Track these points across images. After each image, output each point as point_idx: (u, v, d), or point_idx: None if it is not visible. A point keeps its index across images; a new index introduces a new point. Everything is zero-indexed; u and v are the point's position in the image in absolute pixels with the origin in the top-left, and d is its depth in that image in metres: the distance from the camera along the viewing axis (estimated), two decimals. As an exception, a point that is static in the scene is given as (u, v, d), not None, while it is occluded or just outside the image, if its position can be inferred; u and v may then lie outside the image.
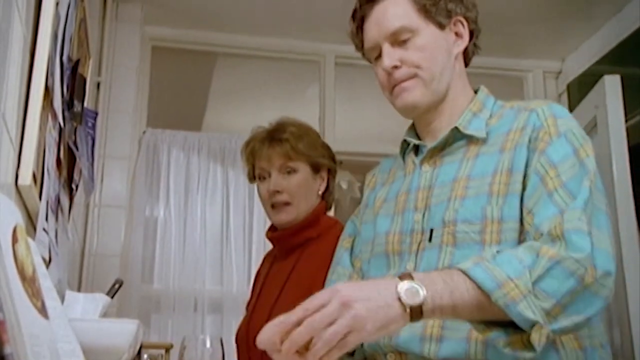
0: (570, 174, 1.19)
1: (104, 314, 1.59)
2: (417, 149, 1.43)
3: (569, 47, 3.69)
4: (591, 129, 3.03)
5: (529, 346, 1.04)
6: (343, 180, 4.67)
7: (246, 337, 1.86)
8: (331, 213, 3.47)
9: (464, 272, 1.05)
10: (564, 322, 1.06)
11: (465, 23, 1.40)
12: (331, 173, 2.06)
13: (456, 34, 1.40)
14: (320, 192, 2.01)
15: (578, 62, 3.67)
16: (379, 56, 1.39)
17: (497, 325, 1.07)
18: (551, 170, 1.20)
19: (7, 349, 0.61)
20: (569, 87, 3.74)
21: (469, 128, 1.33)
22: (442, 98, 1.38)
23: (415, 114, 1.40)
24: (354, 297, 0.97)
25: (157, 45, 3.60)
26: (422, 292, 1.01)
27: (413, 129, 1.46)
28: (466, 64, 1.45)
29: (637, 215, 2.76)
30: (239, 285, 3.28)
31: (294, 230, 1.95)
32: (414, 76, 1.35)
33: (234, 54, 3.78)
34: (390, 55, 1.35)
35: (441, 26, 1.37)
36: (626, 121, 2.87)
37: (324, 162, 2.02)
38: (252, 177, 2.07)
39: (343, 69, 3.69)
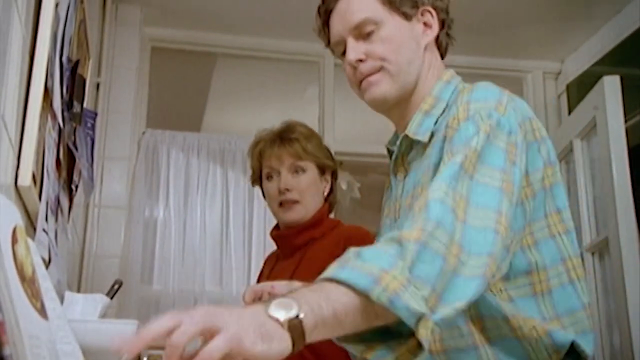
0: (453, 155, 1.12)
1: (104, 315, 1.59)
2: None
3: (568, 48, 3.69)
4: (590, 129, 3.03)
5: (417, 349, 0.93)
6: (342, 180, 4.67)
7: None
8: (331, 214, 3.49)
9: (332, 279, 0.91)
10: (445, 310, 0.95)
11: (434, 12, 1.35)
12: (334, 176, 2.09)
13: (425, 24, 1.35)
14: (325, 194, 2.05)
15: (577, 63, 3.67)
16: (343, 52, 1.36)
17: (378, 343, 0.98)
18: (447, 155, 1.13)
19: (7, 350, 0.61)
20: (568, 87, 3.74)
21: (418, 132, 1.29)
22: (412, 90, 1.33)
23: (385, 107, 1.36)
24: (217, 311, 0.81)
25: (157, 46, 3.60)
26: (294, 305, 0.84)
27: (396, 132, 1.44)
28: (443, 56, 1.41)
29: (636, 215, 2.76)
30: (239, 286, 3.27)
31: (298, 229, 1.97)
32: (380, 69, 1.31)
33: (234, 55, 3.78)
34: (355, 49, 1.32)
35: (407, 17, 1.33)
36: (625, 122, 2.87)
37: (330, 164, 2.05)
38: (256, 179, 2.08)
39: (342, 69, 3.69)
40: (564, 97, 3.76)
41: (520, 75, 3.90)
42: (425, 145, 1.27)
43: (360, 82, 1.34)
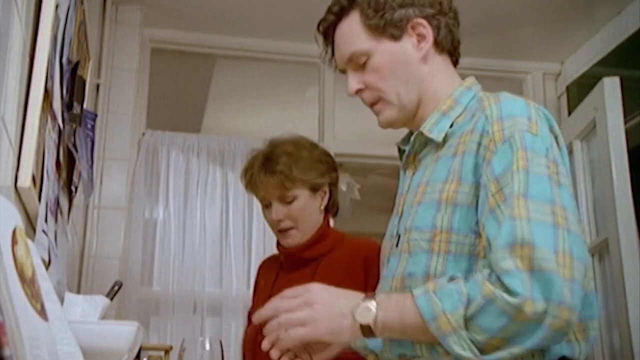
0: (502, 190, 1.14)
1: (103, 316, 1.59)
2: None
3: (568, 49, 3.70)
4: (590, 131, 3.03)
5: None
6: (343, 182, 4.66)
7: (254, 345, 1.86)
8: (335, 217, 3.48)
9: (413, 299, 1.12)
10: (501, 354, 1.07)
11: (424, 22, 1.35)
12: (333, 184, 2.07)
13: (418, 35, 1.35)
14: (323, 207, 2.03)
15: (577, 64, 3.67)
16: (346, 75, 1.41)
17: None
18: (493, 184, 1.15)
19: (7, 351, 0.61)
20: (568, 89, 3.74)
21: (434, 131, 1.30)
22: (416, 106, 1.36)
23: (397, 127, 1.40)
24: (318, 300, 1.16)
25: (157, 47, 3.60)
26: (373, 313, 1.13)
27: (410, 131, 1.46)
28: (453, 53, 1.41)
29: (636, 217, 2.76)
30: (239, 288, 3.27)
31: (304, 246, 1.99)
32: (379, 100, 1.36)
33: (234, 56, 3.78)
34: (353, 80, 1.38)
35: (396, 38, 1.34)
36: (625, 123, 2.87)
37: (323, 181, 2.02)
38: (255, 196, 2.11)
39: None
40: (564, 98, 3.76)
41: (520, 77, 3.90)
42: (439, 146, 1.29)
43: (370, 107, 1.40)
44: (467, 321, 1.07)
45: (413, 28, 1.35)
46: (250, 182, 2.02)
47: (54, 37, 1.66)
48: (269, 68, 3.91)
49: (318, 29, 1.43)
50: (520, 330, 1.06)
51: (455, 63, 1.43)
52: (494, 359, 1.07)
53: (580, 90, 3.54)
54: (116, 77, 3.23)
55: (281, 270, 2.05)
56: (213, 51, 3.73)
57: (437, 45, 1.37)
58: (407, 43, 1.35)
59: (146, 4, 3.34)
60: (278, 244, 2.07)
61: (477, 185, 1.19)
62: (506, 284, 1.06)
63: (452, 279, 1.12)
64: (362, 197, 4.80)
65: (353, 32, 1.36)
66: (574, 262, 1.07)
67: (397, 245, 1.28)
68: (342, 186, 4.63)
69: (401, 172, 1.41)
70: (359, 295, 1.16)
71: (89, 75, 2.36)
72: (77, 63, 2.06)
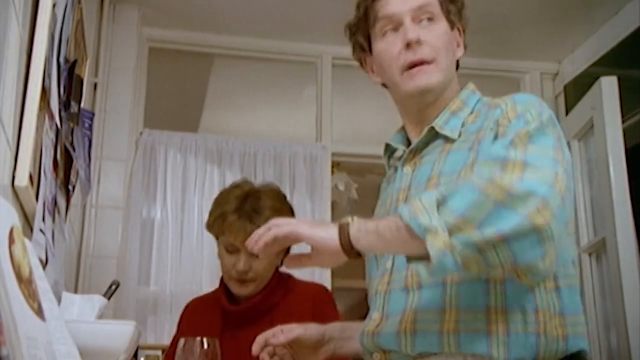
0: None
1: (101, 316, 1.58)
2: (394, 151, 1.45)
3: (566, 49, 3.70)
4: (588, 130, 3.04)
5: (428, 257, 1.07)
6: (340, 181, 4.67)
7: None
8: (329, 214, 3.49)
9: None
10: (472, 233, 1.03)
11: (462, 33, 1.44)
12: None
13: (457, 40, 1.43)
14: (280, 260, 2.00)
15: (575, 64, 3.68)
16: (392, 29, 1.36)
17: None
18: (502, 127, 1.20)
19: (4, 351, 0.61)
20: (565, 88, 3.75)
21: (445, 128, 1.33)
22: (443, 93, 1.37)
23: (428, 98, 1.36)
24: (301, 221, 1.23)
25: (154, 47, 3.60)
26: (352, 218, 1.18)
27: (402, 131, 1.46)
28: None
29: (634, 216, 2.76)
30: (236, 287, 3.27)
31: (261, 298, 1.95)
32: (433, 61, 1.34)
33: (231, 56, 3.78)
34: (415, 31, 1.33)
35: (452, 25, 1.40)
36: (623, 122, 2.87)
37: None
38: (211, 232, 2.02)
39: (340, 70, 3.69)
40: (562, 98, 3.76)
41: (517, 76, 3.90)
42: (450, 142, 1.32)
43: (409, 67, 1.34)
44: (439, 205, 1.07)
45: (458, 31, 1.42)
46: (223, 224, 1.93)
47: (52, 36, 1.66)
48: (266, 67, 3.91)
49: None
50: (492, 211, 1.03)
51: None
52: (463, 238, 1.04)
53: (577, 89, 3.54)
54: (114, 76, 3.23)
55: (226, 326, 1.96)
56: (211, 50, 3.73)
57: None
58: (454, 38, 1.41)
59: (144, 3, 3.34)
60: (228, 303, 1.98)
61: None
62: (490, 161, 1.12)
63: None
64: (359, 197, 4.81)
65: None
66: (567, 195, 1.09)
67: None
68: (340, 186, 4.63)
69: (398, 169, 1.41)
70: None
71: (86, 74, 2.36)
72: (75, 62, 2.05)
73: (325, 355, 1.39)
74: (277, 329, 1.42)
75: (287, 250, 2.02)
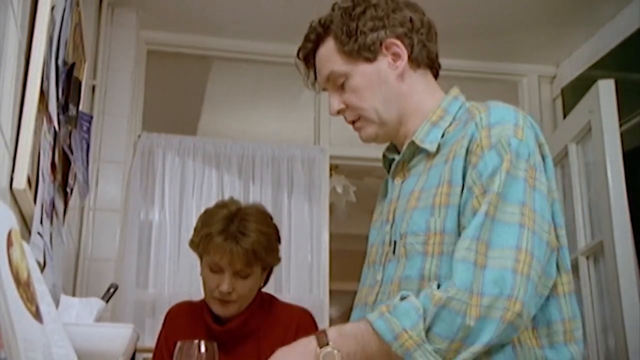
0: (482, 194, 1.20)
1: (99, 319, 1.58)
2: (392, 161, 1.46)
3: (563, 52, 3.70)
4: (585, 133, 3.04)
5: None
6: (338, 184, 4.67)
7: None
8: (327, 217, 3.49)
9: (370, 324, 1.16)
10: (465, 355, 1.12)
11: (397, 42, 1.39)
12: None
13: (393, 54, 1.40)
14: (262, 283, 2.04)
15: (572, 67, 3.68)
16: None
17: None
18: (478, 188, 1.21)
19: (1, 354, 0.61)
20: (563, 91, 3.75)
21: (425, 141, 1.34)
22: (398, 122, 1.40)
23: (379, 142, 1.45)
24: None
25: (153, 49, 3.60)
26: (338, 357, 1.15)
27: None
28: (432, 65, 1.45)
29: (631, 219, 2.76)
30: (234, 290, 3.27)
31: (241, 322, 1.96)
32: (359, 118, 1.41)
33: (229, 58, 3.78)
34: (333, 100, 1.43)
35: (370, 60, 1.39)
36: (620, 126, 2.88)
37: (276, 262, 2.03)
38: (196, 251, 2.02)
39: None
40: (559, 101, 3.77)
41: (515, 79, 3.91)
42: (431, 155, 1.33)
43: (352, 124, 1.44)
44: (427, 333, 1.13)
45: (387, 48, 1.39)
46: (209, 245, 1.93)
47: (50, 39, 1.66)
48: (264, 70, 3.92)
49: (298, 56, 1.51)
50: (475, 328, 1.11)
51: (436, 74, 1.48)
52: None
53: (575, 93, 3.54)
54: (112, 79, 3.23)
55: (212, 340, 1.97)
56: (209, 53, 3.73)
57: (413, 61, 1.41)
58: (383, 63, 1.40)
59: (142, 6, 3.34)
60: (214, 323, 1.99)
61: (463, 188, 1.24)
62: (456, 274, 1.13)
63: (403, 297, 1.17)
64: (357, 200, 4.81)
65: (330, 56, 1.42)
66: (533, 261, 1.14)
67: (394, 252, 1.31)
68: (338, 188, 4.64)
69: (389, 181, 1.44)
70: (312, 345, 1.17)
71: (84, 77, 2.36)
72: (73, 65, 2.05)
73: None
74: None
75: (270, 271, 2.04)
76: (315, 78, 1.50)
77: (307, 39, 1.47)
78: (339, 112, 1.42)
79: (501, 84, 3.91)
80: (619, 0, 3.21)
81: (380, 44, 1.39)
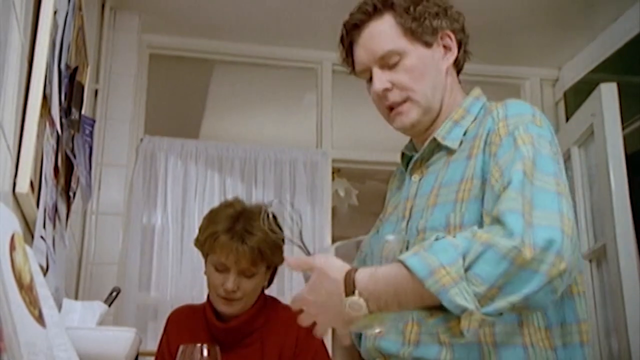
0: (505, 164, 1.19)
1: (101, 322, 1.59)
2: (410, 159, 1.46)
3: (566, 55, 3.70)
4: (588, 137, 3.04)
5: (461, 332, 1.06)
6: (340, 187, 4.67)
7: None
8: (329, 220, 3.49)
9: (403, 263, 1.09)
10: (500, 303, 1.05)
11: (452, 35, 1.42)
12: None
13: (444, 47, 1.41)
14: (266, 283, 2.04)
15: (575, 70, 3.68)
16: (371, 79, 1.41)
17: (440, 311, 1.08)
18: (497, 171, 1.20)
19: (4, 357, 0.61)
20: (565, 94, 3.75)
21: (447, 138, 1.36)
22: (437, 114, 1.40)
23: (413, 132, 1.43)
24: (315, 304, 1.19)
25: (155, 53, 3.60)
26: (364, 308, 1.11)
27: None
28: (459, 71, 1.47)
29: (634, 222, 2.76)
30: (237, 293, 3.27)
31: (245, 320, 1.96)
32: (407, 99, 1.38)
33: (232, 62, 3.78)
34: (381, 79, 1.38)
35: (428, 45, 1.39)
36: (623, 129, 2.87)
37: (281, 261, 2.01)
38: (202, 250, 2.02)
39: (340, 76, 3.69)
40: (562, 104, 3.77)
41: (517, 82, 3.91)
42: (451, 152, 1.34)
43: (388, 108, 1.40)
44: (466, 272, 1.05)
45: (442, 38, 1.41)
46: (215, 243, 1.93)
47: (53, 43, 1.66)
48: (266, 74, 3.92)
49: (345, 26, 1.44)
50: (517, 277, 1.05)
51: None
52: (492, 310, 1.05)
53: (577, 96, 3.54)
54: (114, 83, 3.23)
55: (212, 343, 1.96)
56: (211, 57, 3.74)
57: (456, 60, 1.43)
58: (437, 52, 1.40)
59: (144, 10, 3.34)
60: (217, 320, 1.99)
61: (484, 181, 1.23)
62: (506, 222, 1.08)
63: (437, 238, 1.12)
64: (359, 203, 4.81)
65: (388, 32, 1.38)
66: (573, 224, 1.11)
67: (407, 248, 1.29)
68: (341, 192, 4.64)
69: (406, 178, 1.44)
70: (339, 289, 1.13)
71: (87, 81, 2.36)
72: (76, 69, 2.06)
73: None
74: None
75: (274, 271, 2.04)
76: (350, 55, 1.45)
77: (360, 10, 1.41)
78: (384, 91, 1.38)
79: (504, 87, 3.91)
80: (622, 3, 3.21)
81: (438, 33, 1.40)
